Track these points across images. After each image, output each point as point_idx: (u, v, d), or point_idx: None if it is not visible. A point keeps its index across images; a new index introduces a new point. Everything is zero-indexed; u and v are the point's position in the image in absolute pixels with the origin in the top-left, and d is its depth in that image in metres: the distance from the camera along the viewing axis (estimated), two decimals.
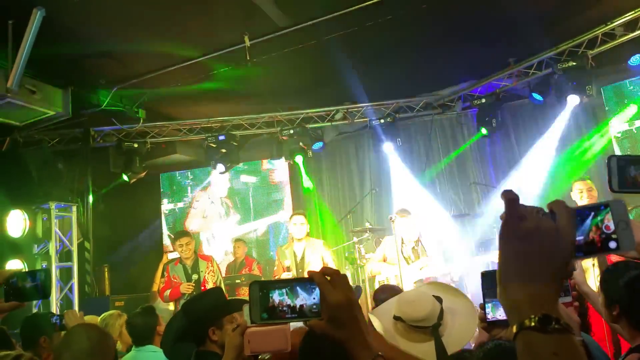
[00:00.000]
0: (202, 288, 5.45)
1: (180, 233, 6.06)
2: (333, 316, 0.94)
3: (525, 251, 0.75)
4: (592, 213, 0.81)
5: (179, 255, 5.74)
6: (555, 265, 0.75)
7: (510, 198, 0.77)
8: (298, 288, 0.97)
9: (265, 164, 8.49)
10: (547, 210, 0.78)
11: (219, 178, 8.32)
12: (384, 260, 5.58)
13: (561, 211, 0.77)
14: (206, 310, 2.38)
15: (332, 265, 5.64)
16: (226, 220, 8.50)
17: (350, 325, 0.95)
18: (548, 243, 0.75)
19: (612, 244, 0.79)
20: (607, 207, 0.80)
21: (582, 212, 0.81)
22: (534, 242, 0.75)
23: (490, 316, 1.49)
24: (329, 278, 0.97)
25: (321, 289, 0.95)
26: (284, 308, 0.96)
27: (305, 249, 5.76)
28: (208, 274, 5.63)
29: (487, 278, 1.44)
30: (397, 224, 5.39)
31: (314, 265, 5.59)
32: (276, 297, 0.96)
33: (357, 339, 0.95)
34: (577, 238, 0.80)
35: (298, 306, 0.96)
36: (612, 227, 0.79)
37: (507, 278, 0.76)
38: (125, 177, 7.39)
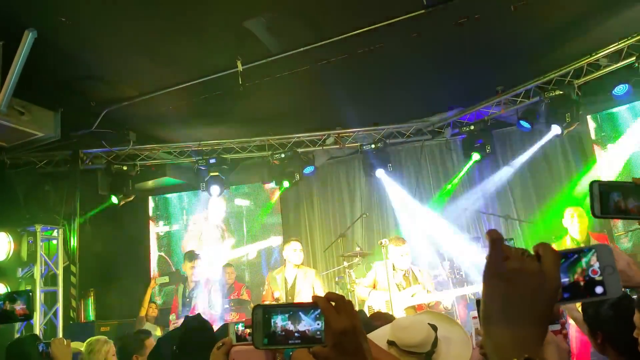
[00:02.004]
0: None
1: (194, 255, 6.04)
2: (337, 343, 0.92)
3: (508, 293, 0.73)
4: (578, 257, 0.80)
5: (168, 280, 5.68)
6: (540, 308, 0.73)
7: (494, 238, 0.75)
8: (301, 313, 0.94)
9: (267, 185, 8.39)
10: (532, 252, 0.77)
11: (215, 202, 8.26)
12: (374, 286, 5.51)
13: (547, 254, 0.75)
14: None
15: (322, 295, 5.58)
16: (222, 244, 8.42)
17: (354, 352, 0.93)
18: (532, 285, 0.73)
19: (599, 289, 0.78)
20: (593, 250, 0.80)
21: (568, 256, 0.80)
22: (518, 284, 0.73)
23: None
24: (333, 304, 0.94)
25: (325, 315, 0.93)
26: (287, 333, 0.93)
27: (297, 276, 5.68)
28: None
29: None
30: (390, 251, 5.37)
31: (304, 293, 5.52)
32: (279, 321, 0.94)
33: None
34: (562, 281, 0.78)
35: (301, 332, 0.93)
36: (599, 271, 0.78)
37: (491, 319, 0.75)
38: (114, 199, 7.29)
